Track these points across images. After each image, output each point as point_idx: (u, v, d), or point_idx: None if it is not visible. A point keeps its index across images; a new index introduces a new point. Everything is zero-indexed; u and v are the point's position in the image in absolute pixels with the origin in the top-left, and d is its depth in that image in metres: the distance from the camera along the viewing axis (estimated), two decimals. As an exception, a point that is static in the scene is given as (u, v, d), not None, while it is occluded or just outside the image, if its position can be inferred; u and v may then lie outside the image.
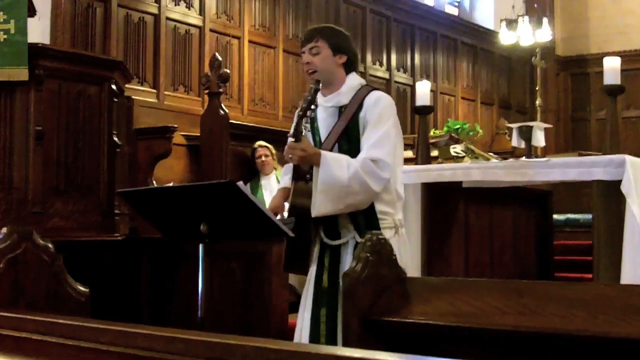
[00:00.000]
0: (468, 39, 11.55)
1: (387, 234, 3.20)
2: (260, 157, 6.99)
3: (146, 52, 7.16)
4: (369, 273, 2.40)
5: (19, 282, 2.35)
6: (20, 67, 4.47)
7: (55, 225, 4.57)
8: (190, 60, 7.55)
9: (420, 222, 5.46)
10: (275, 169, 7.00)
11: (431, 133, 7.72)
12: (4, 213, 4.45)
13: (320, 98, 3.32)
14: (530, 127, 5.69)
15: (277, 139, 7.15)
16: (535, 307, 2.23)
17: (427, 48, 10.83)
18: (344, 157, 3.17)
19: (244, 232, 3.16)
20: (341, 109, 3.31)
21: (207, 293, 3.16)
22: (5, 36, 4.48)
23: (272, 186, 6.91)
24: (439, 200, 5.60)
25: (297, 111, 3.20)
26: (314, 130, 3.36)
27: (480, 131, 9.17)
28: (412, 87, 9.83)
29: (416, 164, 5.63)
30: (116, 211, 4.93)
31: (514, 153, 8.06)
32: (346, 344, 2.36)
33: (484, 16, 12.23)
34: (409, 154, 6.48)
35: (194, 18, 7.63)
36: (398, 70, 10.26)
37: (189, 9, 7.61)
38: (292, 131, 3.17)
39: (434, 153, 6.29)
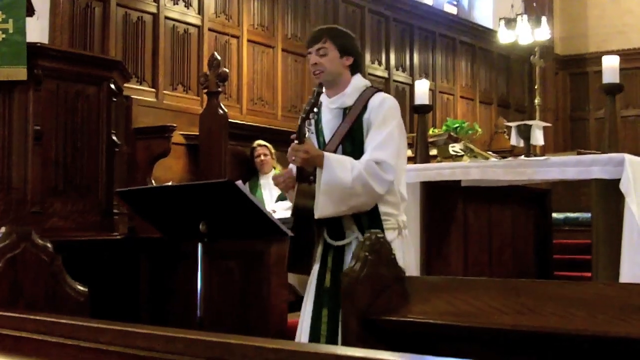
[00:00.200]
0: (467, 38, 11.55)
1: (391, 235, 3.20)
2: (259, 156, 6.99)
3: (145, 52, 7.16)
4: (368, 272, 2.40)
5: (18, 282, 2.35)
6: (19, 67, 4.47)
7: (54, 225, 4.57)
8: (189, 60, 7.54)
9: (419, 221, 5.47)
10: (274, 168, 6.99)
11: (430, 132, 7.72)
12: (3, 213, 4.44)
13: (325, 99, 3.32)
14: (529, 126, 5.70)
15: (276, 138, 7.15)
16: (534, 306, 2.23)
17: (426, 47, 10.83)
18: (348, 159, 3.17)
19: (242, 232, 3.17)
20: (345, 111, 3.31)
21: (206, 292, 3.17)
22: (3, 36, 4.47)
23: (271, 185, 6.87)
24: (438, 199, 5.60)
25: (300, 114, 3.20)
26: (318, 132, 3.36)
27: (479, 130, 9.17)
28: (411, 86, 9.83)
29: (415, 163, 5.63)
30: (115, 211, 4.93)
31: (513, 152, 8.07)
32: (345, 343, 2.37)
33: (483, 15, 12.23)
34: (408, 152, 6.47)
35: (192, 17, 7.63)
36: (397, 70, 10.26)
37: (188, 8, 7.60)
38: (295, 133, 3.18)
39: (433, 152, 6.30)
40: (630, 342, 2.00)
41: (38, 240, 2.43)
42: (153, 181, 5.79)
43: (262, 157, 6.97)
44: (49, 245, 2.45)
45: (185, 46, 7.53)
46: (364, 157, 3.17)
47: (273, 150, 7.03)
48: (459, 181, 5.52)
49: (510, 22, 10.95)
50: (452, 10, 11.99)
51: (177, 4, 7.50)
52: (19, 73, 4.47)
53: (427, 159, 5.83)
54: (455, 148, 6.00)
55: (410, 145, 7.28)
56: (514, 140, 6.05)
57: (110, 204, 4.89)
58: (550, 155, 6.25)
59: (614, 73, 5.00)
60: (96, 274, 4.22)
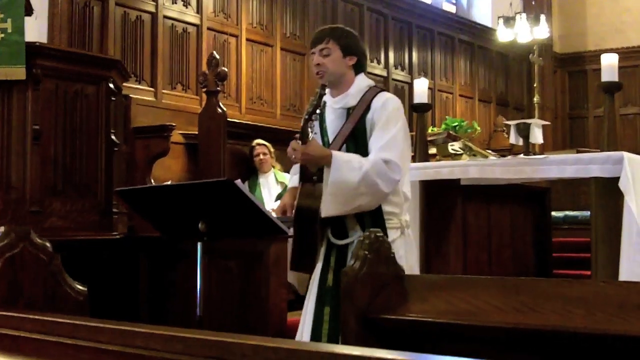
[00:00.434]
0: (465, 37, 11.55)
1: (393, 234, 3.22)
2: (258, 155, 6.99)
3: (144, 51, 7.16)
4: (367, 271, 2.40)
5: (17, 281, 2.35)
6: (18, 66, 4.47)
7: (53, 224, 4.57)
8: (187, 59, 7.54)
9: (418, 220, 5.47)
10: (273, 167, 7.00)
11: (429, 131, 7.71)
12: (2, 212, 4.44)
13: (329, 99, 3.33)
14: (528, 125, 5.70)
15: (274, 137, 7.16)
16: (533, 304, 2.23)
17: (425, 46, 10.83)
18: (356, 158, 3.17)
19: (242, 231, 3.17)
20: (349, 111, 3.32)
21: (206, 291, 3.17)
22: (2, 35, 4.47)
23: (270, 184, 6.92)
24: (437, 198, 5.60)
25: (304, 114, 3.21)
26: (322, 132, 3.37)
27: (478, 128, 9.16)
28: (410, 85, 9.83)
29: (414, 161, 5.63)
30: (114, 210, 4.94)
31: (512, 150, 8.08)
32: (344, 342, 2.37)
33: (482, 14, 12.23)
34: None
35: (191, 16, 7.62)
36: (396, 68, 10.26)
37: (187, 7, 7.60)
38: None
39: (432, 151, 6.29)
40: (629, 340, 2.00)
41: (37, 239, 2.43)
42: (152, 180, 5.79)
43: (261, 156, 6.97)
44: (48, 244, 2.45)
45: (184, 45, 7.53)
46: (371, 156, 3.17)
47: (272, 149, 7.03)
48: (458, 180, 5.52)
49: (509, 20, 10.94)
50: (451, 8, 11.99)
51: (176, 3, 7.50)
52: (18, 73, 4.47)
53: (426, 157, 5.83)
54: (454, 147, 6.00)
55: (409, 144, 7.29)
56: (513, 138, 6.05)
57: (110, 203, 4.89)
58: (549, 153, 6.26)
59: (613, 71, 4.99)
60: (95, 274, 4.22)
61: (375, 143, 3.21)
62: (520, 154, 5.67)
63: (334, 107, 3.36)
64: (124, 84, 5.72)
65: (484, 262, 5.83)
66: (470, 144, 6.14)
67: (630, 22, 12.58)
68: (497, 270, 5.85)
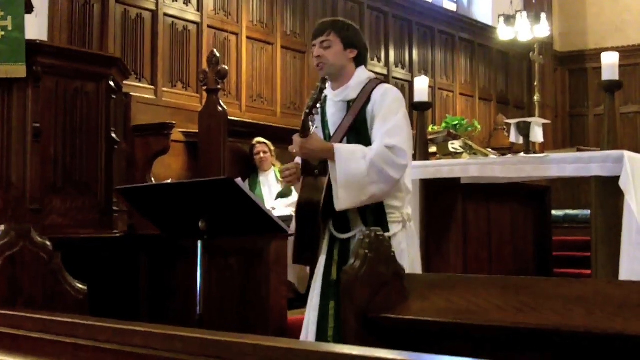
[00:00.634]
0: (466, 35, 11.54)
1: (395, 228, 3.22)
2: (258, 153, 6.98)
3: (144, 49, 7.15)
4: (367, 270, 2.40)
5: (17, 280, 2.35)
6: (18, 64, 4.46)
7: (53, 222, 4.57)
8: (188, 57, 7.54)
9: (418, 218, 5.46)
10: (273, 165, 7.00)
11: (429, 129, 7.71)
12: (2, 211, 4.44)
13: (329, 92, 3.33)
14: (529, 123, 5.70)
15: (275, 135, 7.15)
16: (533, 303, 2.23)
17: (425, 44, 10.82)
18: (359, 148, 3.17)
19: (242, 229, 3.17)
20: (349, 103, 3.32)
21: (206, 290, 3.16)
22: (2, 33, 4.47)
23: (271, 182, 6.92)
24: (437, 197, 5.60)
25: (304, 108, 3.20)
26: (324, 125, 3.37)
27: (479, 127, 9.16)
28: (410, 83, 9.82)
29: (414, 160, 5.63)
30: (114, 208, 4.93)
31: (512, 149, 8.08)
32: (345, 340, 2.37)
33: (482, 12, 12.22)
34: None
35: (191, 14, 7.62)
36: (396, 66, 10.26)
37: (187, 5, 7.59)
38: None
39: (432, 149, 6.29)
40: (628, 339, 2.00)
41: (37, 238, 2.43)
42: (152, 178, 5.79)
43: (262, 155, 6.97)
44: (47, 243, 2.46)
45: (184, 43, 7.53)
46: (375, 144, 3.16)
47: (272, 148, 7.02)
48: (459, 178, 5.52)
49: (509, 18, 10.94)
50: (452, 6, 11.98)
51: (176, 1, 7.49)
52: (18, 70, 4.47)
53: (427, 156, 5.83)
54: (454, 145, 6.00)
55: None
56: (514, 137, 6.05)
57: (110, 201, 4.89)
58: (550, 152, 6.25)
59: (613, 70, 4.99)
60: (95, 272, 4.22)
61: (377, 132, 3.20)
62: (520, 152, 5.67)
63: (334, 100, 3.36)
64: (124, 81, 5.71)
65: (484, 260, 5.83)
66: (470, 143, 6.13)
67: (631, 20, 12.57)
68: (497, 269, 5.85)
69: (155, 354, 1.62)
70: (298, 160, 3.40)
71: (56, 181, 4.65)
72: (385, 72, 10.00)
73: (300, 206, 3.23)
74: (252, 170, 7.04)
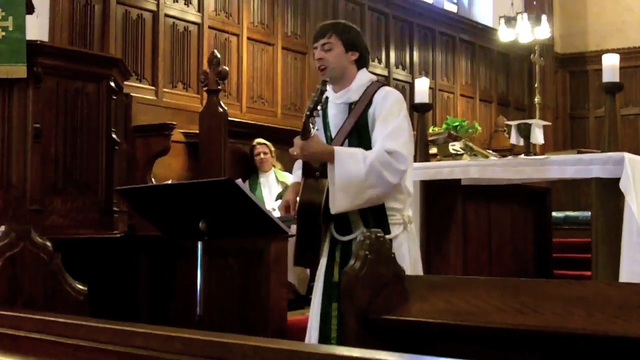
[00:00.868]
0: (466, 36, 11.54)
1: (396, 230, 3.22)
2: (258, 154, 6.98)
3: (145, 49, 7.15)
4: (367, 271, 2.40)
5: (17, 280, 2.35)
6: (19, 65, 4.47)
7: (53, 223, 4.57)
8: (188, 58, 7.54)
9: (418, 219, 5.46)
10: (273, 166, 6.99)
11: (430, 130, 7.71)
12: (2, 211, 4.44)
13: (331, 94, 3.33)
14: (529, 125, 5.70)
15: (275, 136, 7.15)
16: (533, 305, 2.23)
17: (426, 45, 10.82)
18: (359, 151, 3.17)
19: (242, 230, 3.16)
20: (351, 106, 3.32)
21: (206, 290, 3.16)
22: (3, 33, 4.47)
23: (271, 183, 6.91)
24: (438, 198, 5.60)
25: (305, 110, 3.21)
26: (325, 127, 3.37)
27: (479, 128, 9.17)
28: (411, 85, 9.83)
29: (415, 161, 5.62)
30: (114, 209, 4.93)
31: (513, 150, 8.08)
32: (345, 342, 2.37)
33: (483, 13, 12.22)
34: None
35: (192, 15, 7.62)
36: (397, 68, 10.26)
37: (188, 6, 7.59)
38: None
39: (433, 150, 6.29)
40: (629, 341, 1.99)
41: (37, 238, 2.43)
42: (153, 179, 5.79)
43: (262, 156, 6.96)
44: (48, 243, 2.46)
45: (185, 44, 7.53)
46: (376, 148, 3.17)
47: (273, 149, 7.02)
48: (459, 180, 5.52)
49: (510, 20, 10.94)
50: (452, 8, 11.98)
51: (177, 1, 7.50)
52: (19, 71, 4.47)
53: (427, 157, 5.83)
54: (455, 147, 6.00)
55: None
56: (514, 138, 6.05)
57: (110, 202, 4.89)
58: (550, 154, 6.26)
59: (614, 72, 4.99)
60: (95, 272, 4.22)
61: (378, 135, 3.20)
62: (521, 154, 5.67)
63: (336, 102, 3.36)
64: (125, 82, 5.72)
65: (484, 261, 5.83)
66: (471, 144, 6.14)
67: (632, 22, 12.57)
68: (497, 270, 5.85)
69: (156, 355, 1.62)
70: (298, 164, 3.40)
71: (57, 181, 4.65)
72: (385, 73, 10.00)
73: (301, 208, 3.23)
74: (252, 171, 7.03)
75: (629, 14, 12.64)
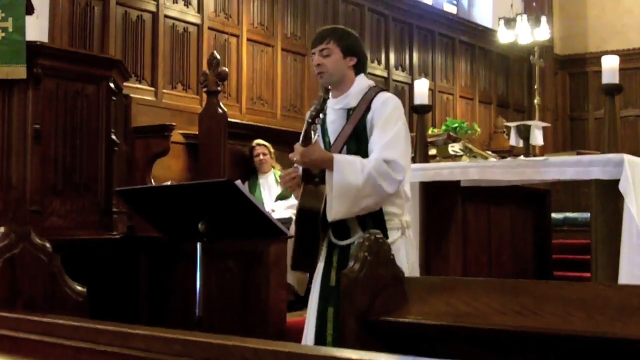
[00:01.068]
0: (466, 38, 11.54)
1: (394, 235, 3.22)
2: (258, 155, 6.98)
3: (144, 51, 7.16)
4: (366, 273, 2.40)
5: (17, 282, 2.35)
6: (18, 66, 4.47)
7: (53, 224, 4.57)
8: (188, 59, 7.54)
9: (418, 221, 5.46)
10: (273, 167, 6.99)
11: (429, 132, 7.72)
12: (2, 212, 4.44)
13: (329, 100, 3.33)
14: (529, 126, 5.70)
15: (275, 137, 7.16)
16: (533, 307, 2.23)
17: (426, 46, 10.82)
18: (358, 159, 3.18)
19: (242, 231, 3.17)
20: (349, 112, 3.32)
21: (205, 292, 3.17)
22: (3, 34, 4.47)
23: (270, 185, 6.91)
24: (437, 199, 5.60)
25: (306, 117, 3.21)
26: (324, 132, 3.38)
27: (479, 130, 9.17)
28: (411, 86, 9.82)
29: (414, 162, 5.63)
30: (114, 210, 4.93)
31: (512, 152, 8.07)
32: (344, 344, 2.37)
33: (482, 15, 12.22)
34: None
35: (192, 16, 7.62)
36: (396, 69, 10.26)
37: (187, 7, 7.60)
38: (301, 137, 3.20)
39: (432, 152, 6.29)
40: (628, 342, 2.00)
41: (37, 239, 2.43)
42: (152, 180, 5.79)
43: (261, 157, 6.97)
44: (47, 244, 2.46)
45: (185, 45, 7.53)
46: (373, 156, 3.17)
47: (272, 150, 7.02)
48: (458, 181, 5.52)
49: (509, 21, 10.95)
50: (452, 9, 11.98)
51: (177, 2, 7.50)
52: (19, 72, 4.47)
53: (426, 158, 5.83)
54: (454, 148, 6.00)
55: (409, 145, 7.28)
56: (513, 140, 6.06)
57: (110, 203, 4.89)
58: (550, 155, 6.26)
59: (614, 73, 4.99)
60: (95, 273, 4.22)
61: (376, 143, 3.21)
62: (520, 155, 5.67)
63: (334, 107, 3.36)
64: (125, 83, 5.71)
65: (483, 263, 5.83)
66: (470, 146, 6.14)
67: (631, 23, 12.58)
68: (497, 272, 5.85)
69: (155, 357, 1.62)
70: (297, 165, 3.41)
71: (56, 183, 4.65)
72: (385, 74, 10.00)
73: (300, 214, 3.24)
74: (252, 172, 7.03)
75: (628, 15, 12.65)
